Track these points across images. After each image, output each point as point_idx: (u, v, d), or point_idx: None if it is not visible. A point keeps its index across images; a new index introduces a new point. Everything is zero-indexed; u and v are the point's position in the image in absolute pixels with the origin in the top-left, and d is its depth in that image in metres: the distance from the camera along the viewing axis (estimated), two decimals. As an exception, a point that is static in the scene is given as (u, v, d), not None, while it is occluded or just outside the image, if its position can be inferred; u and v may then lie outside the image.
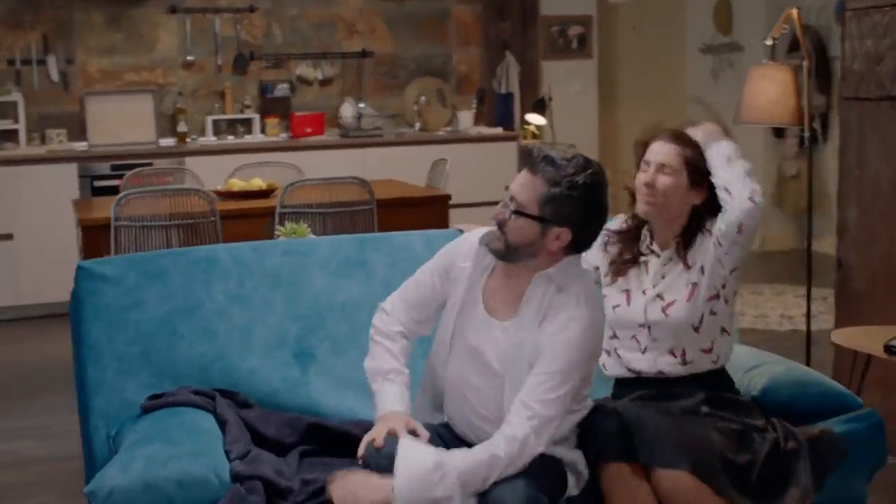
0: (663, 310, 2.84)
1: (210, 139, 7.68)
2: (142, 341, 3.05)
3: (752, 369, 3.15)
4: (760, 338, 6.02)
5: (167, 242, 4.62)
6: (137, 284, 3.10)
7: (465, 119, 8.17)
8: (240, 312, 3.15)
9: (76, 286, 3.09)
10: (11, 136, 7.17)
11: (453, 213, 5.76)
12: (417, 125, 8.16)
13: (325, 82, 8.05)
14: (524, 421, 2.48)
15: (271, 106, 7.90)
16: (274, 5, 7.87)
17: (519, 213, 2.52)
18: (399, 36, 8.18)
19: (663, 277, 2.87)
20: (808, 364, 4.20)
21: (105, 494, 2.45)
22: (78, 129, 7.41)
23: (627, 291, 2.90)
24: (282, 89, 7.89)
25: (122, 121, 7.39)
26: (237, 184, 5.39)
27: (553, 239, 2.53)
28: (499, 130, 8.12)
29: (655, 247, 2.91)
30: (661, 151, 2.85)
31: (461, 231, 3.22)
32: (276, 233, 3.71)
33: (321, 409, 3.09)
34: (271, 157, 6.98)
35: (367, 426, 2.89)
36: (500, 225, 2.55)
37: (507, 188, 2.59)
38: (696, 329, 2.84)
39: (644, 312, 2.86)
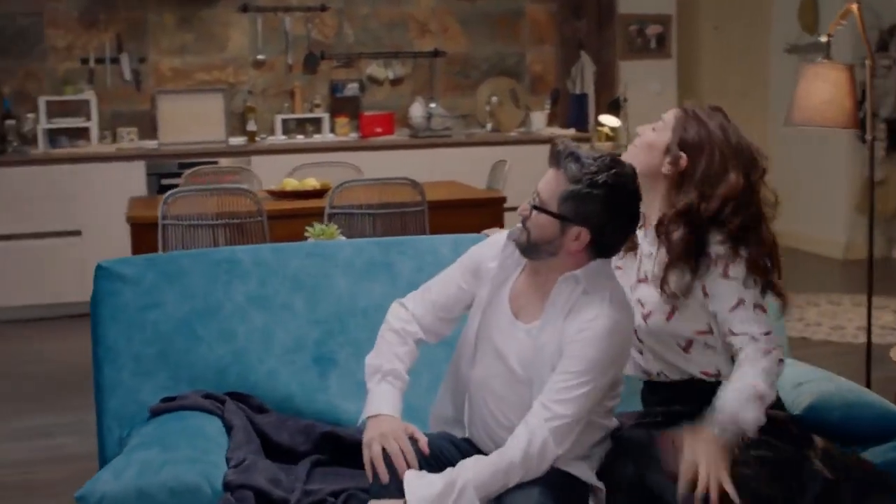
0: (644, 317, 2.64)
1: (279, 138, 7.67)
2: (159, 342, 2.99)
3: (800, 385, 2.94)
4: (835, 350, 5.76)
5: (214, 241, 4.59)
6: (156, 285, 3.04)
7: (538, 120, 8.02)
8: (259, 315, 3.07)
9: (95, 286, 3.07)
10: (83, 133, 7.26)
11: (511, 216, 5.60)
12: (489, 126, 8.03)
13: (395, 82, 7.98)
14: (542, 423, 2.37)
15: (341, 105, 7.86)
16: (345, 4, 7.83)
17: (539, 208, 2.44)
18: (472, 35, 8.06)
19: (646, 277, 2.66)
20: (868, 383, 3.96)
21: (96, 500, 2.38)
22: (149, 127, 7.47)
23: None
24: (352, 89, 7.84)
25: (193, 119, 7.42)
26: (291, 183, 5.34)
27: (572, 239, 2.43)
28: (571, 132, 7.95)
29: (640, 232, 2.70)
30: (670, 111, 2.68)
31: (487, 236, 3.11)
32: (305, 234, 3.63)
33: (339, 415, 3.00)
34: (338, 156, 6.93)
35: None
36: (524, 221, 2.48)
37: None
38: (685, 349, 2.63)
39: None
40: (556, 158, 2.45)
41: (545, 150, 7.94)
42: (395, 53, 7.94)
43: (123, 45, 7.46)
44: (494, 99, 7.99)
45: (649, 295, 2.63)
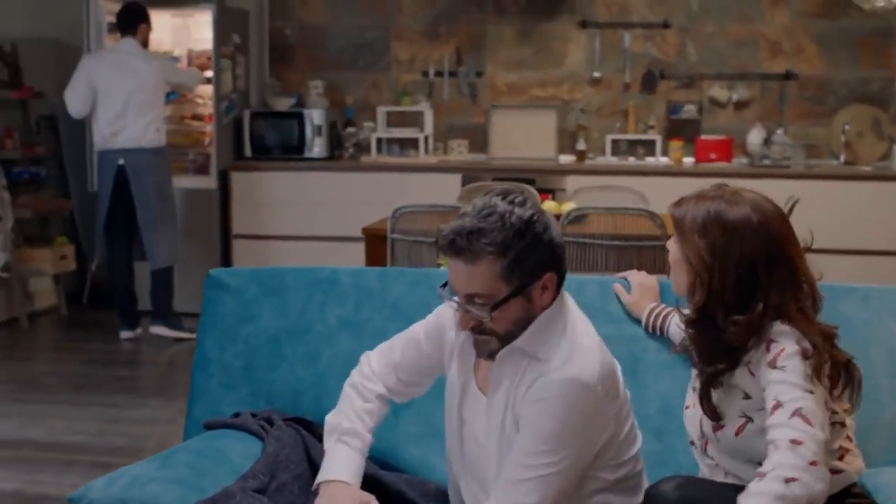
0: (714, 429, 2.22)
1: (609, 159, 7.43)
2: (248, 356, 2.97)
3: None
4: None
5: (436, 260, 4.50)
6: (256, 298, 3.02)
7: (902, 154, 7.09)
8: (349, 339, 2.95)
9: (205, 293, 3.09)
10: (413, 144, 7.49)
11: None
12: (843, 158, 7.22)
13: (739, 105, 7.42)
14: None
15: (677, 128, 7.44)
16: (690, 21, 7.40)
17: (495, 306, 2.10)
18: (830, 57, 7.29)
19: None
20: None
21: (83, 505, 2.41)
22: (481, 140, 7.55)
23: (696, 389, 2.28)
24: (688, 111, 7.40)
25: (524, 135, 7.41)
26: (549, 206, 5.12)
27: (541, 293, 2.13)
28: (936, 170, 6.96)
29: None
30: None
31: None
32: (438, 261, 3.44)
33: (403, 455, 2.81)
34: (658, 182, 6.60)
35: (428, 489, 2.61)
36: (481, 331, 2.15)
37: (446, 291, 2.18)
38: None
39: (700, 423, 2.26)
40: (460, 251, 2.07)
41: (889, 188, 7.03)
42: (741, 75, 7.38)
43: (462, 59, 7.60)
44: (847, 127, 7.16)
45: (722, 400, 2.21)
